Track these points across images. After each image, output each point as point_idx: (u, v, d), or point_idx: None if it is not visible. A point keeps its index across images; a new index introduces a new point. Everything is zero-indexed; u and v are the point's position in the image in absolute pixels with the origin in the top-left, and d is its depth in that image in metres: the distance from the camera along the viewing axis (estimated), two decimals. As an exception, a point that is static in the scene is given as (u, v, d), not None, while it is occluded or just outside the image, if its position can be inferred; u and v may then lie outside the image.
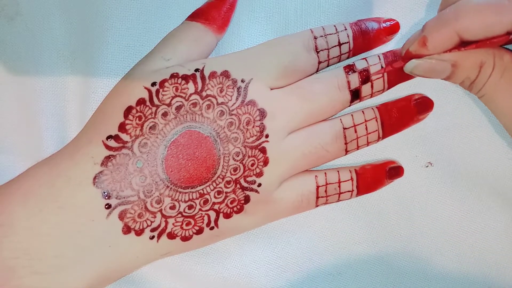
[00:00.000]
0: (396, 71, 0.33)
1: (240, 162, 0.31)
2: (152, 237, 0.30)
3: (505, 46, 0.31)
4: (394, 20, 0.34)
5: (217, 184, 0.31)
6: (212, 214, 0.31)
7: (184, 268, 0.34)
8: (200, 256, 0.35)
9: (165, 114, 0.30)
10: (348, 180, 0.34)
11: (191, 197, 0.31)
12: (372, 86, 0.33)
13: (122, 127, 0.30)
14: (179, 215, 0.31)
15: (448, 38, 0.28)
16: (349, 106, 0.34)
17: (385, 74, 0.33)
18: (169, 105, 0.30)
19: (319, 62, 0.33)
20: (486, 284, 0.35)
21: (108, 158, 0.30)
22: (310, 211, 0.35)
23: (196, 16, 0.33)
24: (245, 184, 0.31)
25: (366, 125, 0.33)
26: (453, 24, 0.28)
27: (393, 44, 0.35)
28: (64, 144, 0.32)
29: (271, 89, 0.32)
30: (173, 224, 0.31)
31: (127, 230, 0.30)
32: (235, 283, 0.35)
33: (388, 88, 0.34)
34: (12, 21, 0.33)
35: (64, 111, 0.34)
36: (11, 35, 0.33)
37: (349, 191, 0.34)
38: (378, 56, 0.33)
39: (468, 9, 0.28)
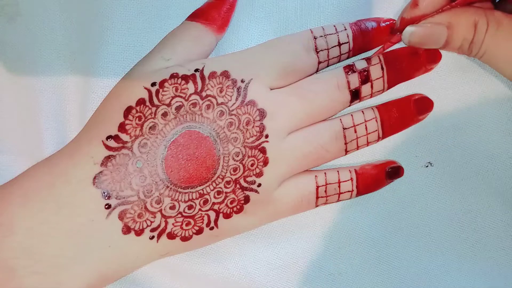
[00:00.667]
0: (395, 71, 0.33)
1: (240, 162, 0.31)
2: (152, 237, 0.30)
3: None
4: (393, 20, 0.34)
5: (217, 184, 0.31)
6: (212, 214, 0.31)
7: (184, 268, 0.34)
8: (200, 256, 0.35)
9: (165, 114, 0.30)
10: (348, 180, 0.34)
11: (191, 197, 0.31)
12: (371, 86, 0.33)
13: (122, 127, 0.30)
14: (179, 215, 0.31)
15: None
16: (349, 106, 0.34)
17: (385, 74, 0.33)
18: (168, 105, 0.30)
19: (319, 62, 0.33)
20: (486, 284, 0.35)
21: (108, 158, 0.30)
22: (310, 211, 0.35)
23: (196, 16, 0.33)
24: (245, 184, 0.31)
25: (366, 125, 0.33)
26: None
27: (393, 44, 0.35)
28: (64, 144, 0.32)
29: (271, 89, 0.32)
30: (173, 224, 0.31)
31: (127, 230, 0.30)
32: (235, 283, 0.35)
33: (388, 88, 0.34)
34: (12, 21, 0.33)
35: (64, 111, 0.34)
36: (11, 35, 0.33)
37: (349, 191, 0.34)
38: (378, 56, 0.33)
39: None
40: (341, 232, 0.36)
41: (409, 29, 0.31)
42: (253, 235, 0.35)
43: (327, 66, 0.34)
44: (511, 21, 0.30)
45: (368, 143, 0.34)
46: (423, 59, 0.33)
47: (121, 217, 0.30)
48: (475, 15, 0.30)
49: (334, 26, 0.33)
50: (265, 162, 0.32)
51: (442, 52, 0.33)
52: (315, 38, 0.33)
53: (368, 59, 0.33)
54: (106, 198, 0.29)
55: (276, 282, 0.35)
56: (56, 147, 0.33)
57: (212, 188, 0.31)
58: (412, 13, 0.30)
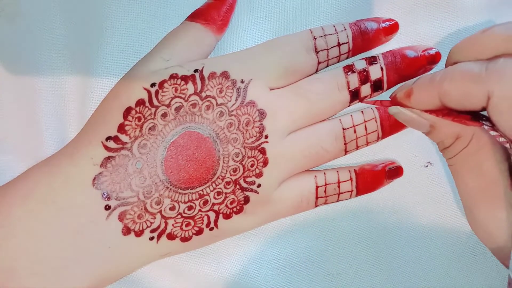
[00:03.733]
0: (396, 71, 0.33)
1: (239, 163, 0.31)
2: (151, 238, 0.31)
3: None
4: (393, 20, 0.34)
5: (216, 185, 0.31)
6: (212, 215, 0.31)
7: (184, 268, 0.35)
8: (200, 256, 0.35)
9: (164, 115, 0.30)
10: (348, 180, 0.34)
11: (190, 198, 0.31)
12: (371, 87, 0.33)
13: (121, 128, 0.30)
14: (179, 216, 0.31)
15: (430, 98, 0.28)
16: (349, 106, 0.34)
17: (385, 75, 0.33)
18: (168, 106, 0.30)
19: (319, 63, 0.33)
20: (486, 285, 0.35)
21: (107, 159, 0.30)
22: (309, 211, 0.35)
23: (195, 16, 0.33)
24: (245, 185, 0.31)
25: (365, 125, 0.33)
26: (436, 86, 0.28)
27: (393, 44, 0.35)
28: (64, 144, 0.32)
29: (271, 89, 0.32)
30: (172, 225, 0.31)
31: (126, 231, 0.30)
32: (234, 283, 0.35)
33: (388, 88, 0.34)
34: (12, 21, 0.33)
35: (64, 111, 0.34)
36: (11, 35, 0.33)
37: (348, 191, 0.34)
38: (378, 56, 0.33)
39: (452, 74, 0.27)
40: (340, 232, 0.35)
41: (394, 109, 0.30)
42: (252, 235, 0.35)
43: (327, 66, 0.34)
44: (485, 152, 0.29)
45: (367, 143, 0.34)
46: (422, 59, 0.33)
47: (121, 218, 0.30)
48: (463, 129, 0.29)
49: (334, 26, 0.33)
50: (265, 163, 0.32)
51: (441, 51, 0.33)
52: (314, 38, 0.33)
53: (367, 59, 0.33)
54: (106, 199, 0.29)
55: (276, 282, 0.35)
56: (56, 147, 0.33)
57: (212, 188, 0.31)
58: (403, 100, 0.30)
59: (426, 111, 0.29)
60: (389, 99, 0.31)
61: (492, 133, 0.27)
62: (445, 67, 0.31)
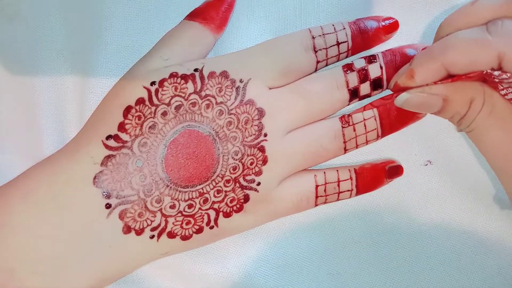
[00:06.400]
0: (395, 70, 0.33)
1: (239, 161, 0.31)
2: (152, 237, 0.31)
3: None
4: (393, 18, 0.34)
5: (216, 183, 0.31)
6: (212, 213, 0.31)
7: (183, 268, 0.34)
8: (200, 255, 0.35)
9: (164, 114, 0.30)
10: (348, 179, 0.34)
11: (190, 196, 0.31)
12: (371, 85, 0.33)
13: (121, 127, 0.30)
14: (179, 214, 0.31)
15: (435, 71, 0.29)
16: (348, 105, 0.34)
17: (384, 73, 0.33)
18: (168, 104, 0.30)
19: (317, 62, 0.33)
20: (486, 285, 0.35)
21: (108, 157, 0.30)
22: (309, 211, 0.35)
23: (194, 15, 0.33)
24: (245, 183, 0.31)
25: (364, 124, 0.33)
26: (440, 57, 0.28)
27: (393, 42, 0.35)
28: (63, 144, 0.32)
29: (270, 88, 0.32)
30: (173, 223, 0.31)
31: (127, 229, 0.30)
32: (234, 283, 0.35)
33: (388, 87, 0.34)
34: (12, 21, 0.33)
35: (63, 111, 0.34)
36: (11, 35, 0.33)
37: (348, 191, 0.34)
38: (377, 55, 0.33)
39: (454, 43, 0.28)
40: (340, 231, 0.36)
41: (403, 96, 0.30)
42: (252, 235, 0.35)
43: (326, 65, 0.34)
44: (505, 107, 0.30)
45: (367, 142, 0.34)
46: None
47: (121, 216, 0.30)
48: (473, 92, 0.30)
49: (333, 25, 0.33)
50: (264, 161, 0.32)
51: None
52: (313, 37, 0.33)
53: (367, 58, 0.33)
54: (106, 197, 0.29)
55: (275, 282, 0.35)
56: (56, 147, 0.33)
57: (212, 187, 0.31)
58: (407, 83, 0.30)
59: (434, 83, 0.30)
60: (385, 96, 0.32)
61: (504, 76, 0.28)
62: (434, 41, 0.31)
